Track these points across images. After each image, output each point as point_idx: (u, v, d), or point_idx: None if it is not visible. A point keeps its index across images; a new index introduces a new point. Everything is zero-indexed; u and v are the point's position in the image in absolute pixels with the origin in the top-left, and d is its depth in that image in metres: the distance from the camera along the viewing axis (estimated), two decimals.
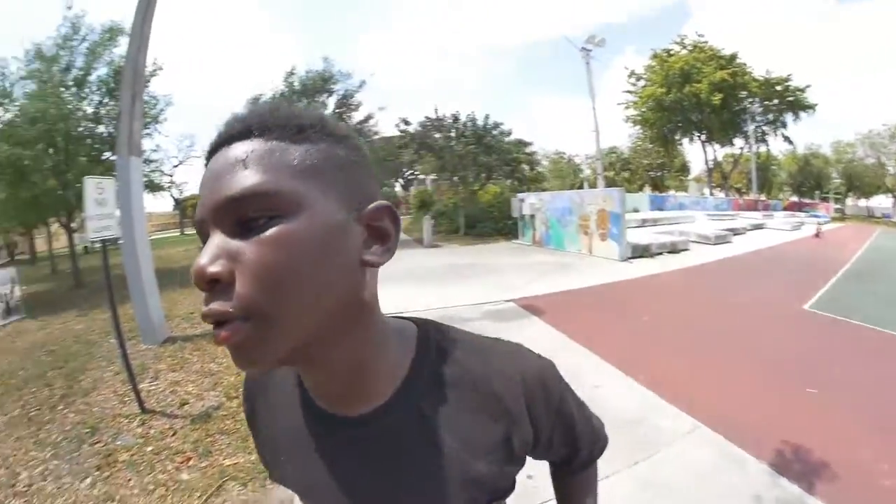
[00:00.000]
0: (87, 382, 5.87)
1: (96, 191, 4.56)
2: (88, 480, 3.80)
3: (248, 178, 0.43)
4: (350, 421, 0.54)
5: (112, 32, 12.33)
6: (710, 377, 4.03)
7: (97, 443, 4.35)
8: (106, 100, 12.98)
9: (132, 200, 5.78)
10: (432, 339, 0.59)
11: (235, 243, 0.43)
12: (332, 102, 16.30)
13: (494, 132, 17.20)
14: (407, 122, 17.64)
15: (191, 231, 45.93)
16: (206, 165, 0.48)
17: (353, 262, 0.47)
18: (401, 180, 45.83)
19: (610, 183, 28.53)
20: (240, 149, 0.45)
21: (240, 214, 0.43)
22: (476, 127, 17.12)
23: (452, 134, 17.18)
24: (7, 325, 10.19)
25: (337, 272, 0.46)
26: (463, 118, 17.20)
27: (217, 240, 0.43)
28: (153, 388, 5.38)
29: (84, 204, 4.55)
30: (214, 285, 0.42)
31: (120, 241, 5.60)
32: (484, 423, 0.55)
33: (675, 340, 4.92)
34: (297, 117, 0.47)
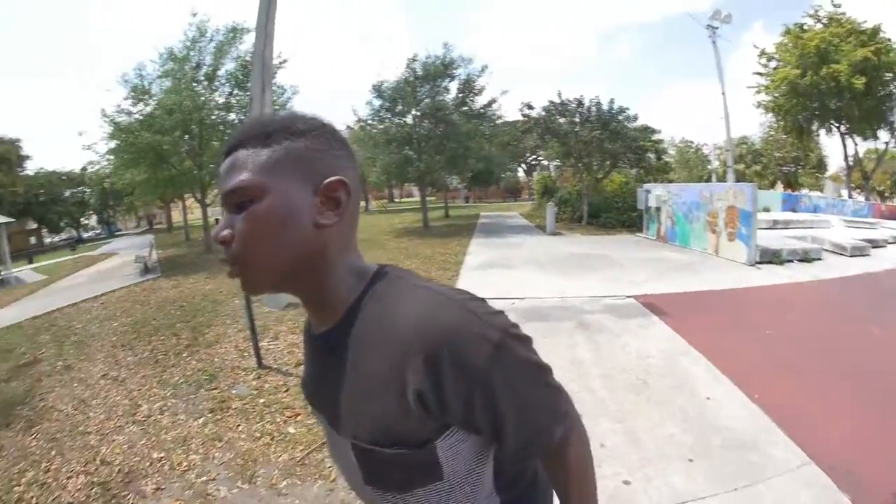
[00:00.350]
0: (210, 336, 6.49)
1: None
2: (201, 420, 4.21)
3: (233, 179, 0.65)
4: (315, 336, 0.76)
5: (236, 32, 14.15)
6: (834, 411, 3.53)
7: (214, 389, 4.79)
8: (235, 91, 14.89)
9: None
10: (377, 281, 0.71)
11: (234, 217, 0.65)
12: (453, 87, 16.43)
13: (620, 117, 16.62)
14: (530, 107, 17.47)
15: None
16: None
17: (306, 226, 0.65)
18: (524, 165, 44.30)
19: (740, 177, 25.49)
20: (232, 156, 0.67)
21: (233, 201, 0.65)
22: (601, 112, 16.55)
23: (577, 119, 16.78)
24: (144, 282, 11.61)
25: (292, 237, 0.65)
26: (587, 102, 16.79)
27: (226, 216, 0.66)
28: (272, 346, 5.77)
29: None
30: (224, 244, 0.65)
31: None
32: (382, 364, 0.64)
33: (800, 362, 4.43)
34: (265, 127, 0.67)
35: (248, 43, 14.36)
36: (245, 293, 0.81)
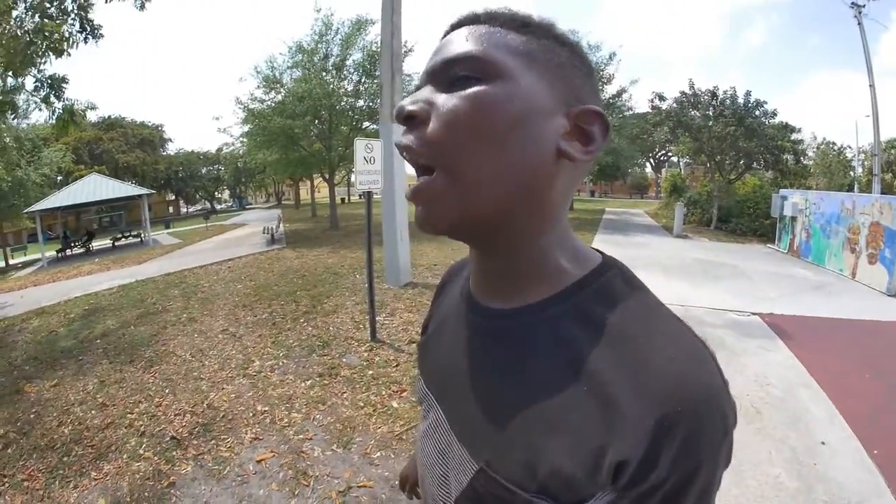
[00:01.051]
0: (329, 306, 7.17)
1: (365, 150, 5.57)
2: (308, 382, 4.65)
3: (463, 46, 0.54)
4: (492, 312, 0.62)
5: (360, 24, 16.53)
6: None
7: (325, 355, 5.28)
8: (363, 79, 17.49)
9: (394, 161, 7.26)
10: (606, 276, 0.59)
11: (440, 95, 0.54)
12: None
13: (756, 112, 17.15)
14: (661, 98, 18.54)
15: None
16: None
17: (547, 148, 0.53)
18: (652, 161, 45.13)
19: (887, 188, 23.12)
20: (466, 28, 0.56)
21: (450, 74, 0.54)
22: (736, 105, 17.17)
23: (710, 112, 17.60)
24: (270, 251, 13.27)
25: (528, 150, 0.53)
26: (721, 94, 17.60)
27: (425, 90, 0.56)
28: (387, 322, 6.28)
29: (354, 161, 5.65)
30: (410, 121, 0.55)
31: (379, 195, 6.93)
32: (590, 398, 0.51)
33: None
34: (525, 16, 0.57)
35: (372, 34, 16.55)
36: (422, 229, 0.58)
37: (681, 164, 34.65)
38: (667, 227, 16.50)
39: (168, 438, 3.87)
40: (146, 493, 3.21)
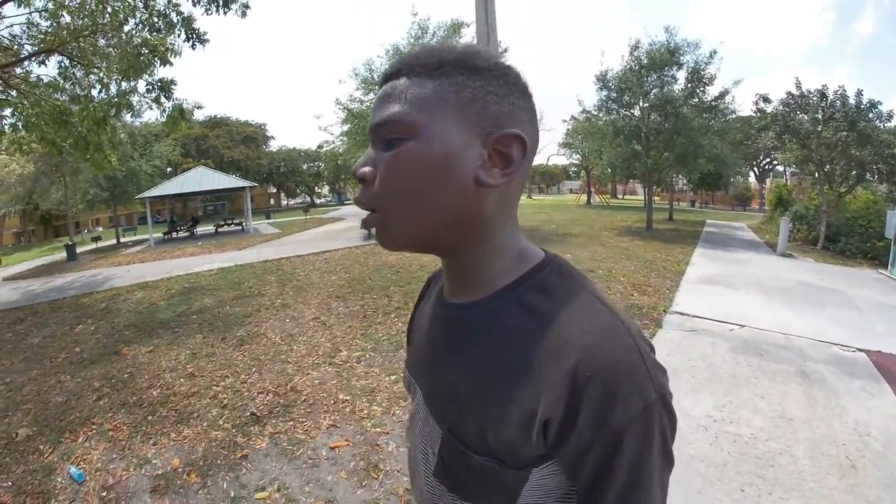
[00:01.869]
0: None
1: None
2: (393, 377, 4.72)
3: (385, 110, 0.65)
4: (447, 304, 0.78)
5: (456, 27, 17.40)
6: None
7: None
8: None
9: None
10: (543, 272, 0.71)
11: (380, 155, 0.66)
12: (681, 76, 17.48)
13: (870, 115, 15.54)
14: (766, 100, 17.57)
15: (538, 196, 55.87)
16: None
17: (466, 181, 0.64)
18: (756, 169, 42.93)
19: None
20: (389, 86, 0.67)
21: (382, 135, 0.65)
22: (847, 107, 15.63)
23: (819, 116, 16.25)
24: (366, 246, 13.73)
25: (447, 186, 0.64)
26: (830, 94, 16.12)
27: (371, 151, 0.67)
28: None
29: None
30: (363, 182, 0.67)
31: None
32: (524, 368, 0.63)
33: None
34: (437, 56, 0.66)
35: (468, 36, 17.17)
36: (381, 245, 0.77)
37: (787, 173, 32.49)
38: (770, 244, 15.73)
39: (248, 414, 4.11)
40: (218, 461, 3.44)
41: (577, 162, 45.58)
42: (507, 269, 0.71)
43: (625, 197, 51.64)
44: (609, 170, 20.32)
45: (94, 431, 4.01)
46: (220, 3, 8.41)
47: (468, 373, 0.70)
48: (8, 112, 8.49)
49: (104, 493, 3.20)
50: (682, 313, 6.72)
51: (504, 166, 0.66)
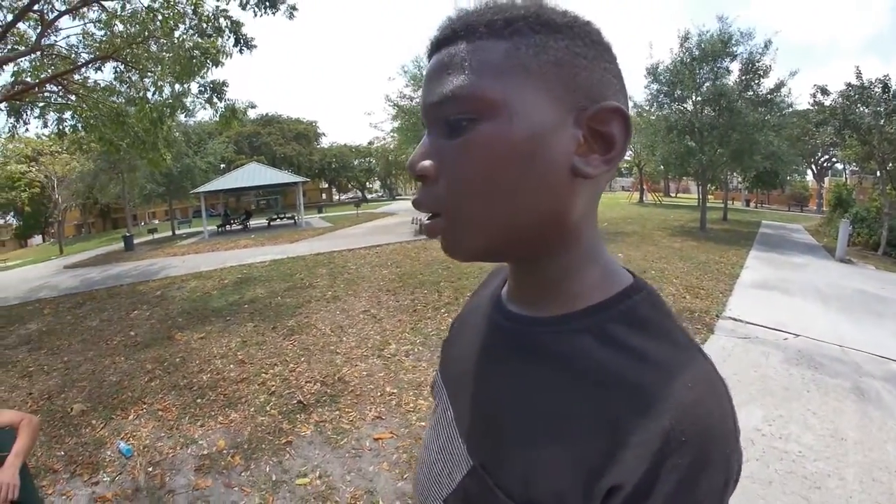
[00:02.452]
0: None
1: None
2: None
3: (444, 85, 0.53)
4: (514, 315, 0.65)
5: None
6: None
7: None
8: None
9: None
10: (634, 298, 0.59)
11: (443, 143, 0.54)
12: (735, 68, 16.97)
13: None
14: (824, 91, 16.77)
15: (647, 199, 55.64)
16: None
17: (560, 172, 0.52)
18: (814, 167, 41.37)
19: None
20: (445, 53, 0.54)
21: (444, 117, 0.53)
22: None
23: (881, 109, 15.31)
24: (417, 241, 13.85)
25: (537, 182, 0.52)
26: (894, 86, 15.15)
27: (428, 139, 0.56)
28: None
29: None
30: (423, 179, 0.55)
31: None
32: (594, 415, 0.52)
33: None
34: (505, 10, 0.53)
35: None
36: (450, 256, 0.60)
37: (846, 172, 31.21)
38: (828, 248, 15.08)
39: (295, 402, 4.18)
40: (263, 445, 3.53)
41: (628, 158, 45.09)
42: (592, 285, 0.60)
43: (678, 195, 50.48)
44: (662, 167, 19.92)
45: (145, 410, 4.19)
46: (267, 5, 8.76)
47: (522, 401, 0.59)
48: (68, 115, 9.11)
49: (150, 469, 3.34)
50: (735, 319, 6.50)
51: (604, 151, 0.54)
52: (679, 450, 0.47)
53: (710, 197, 24.60)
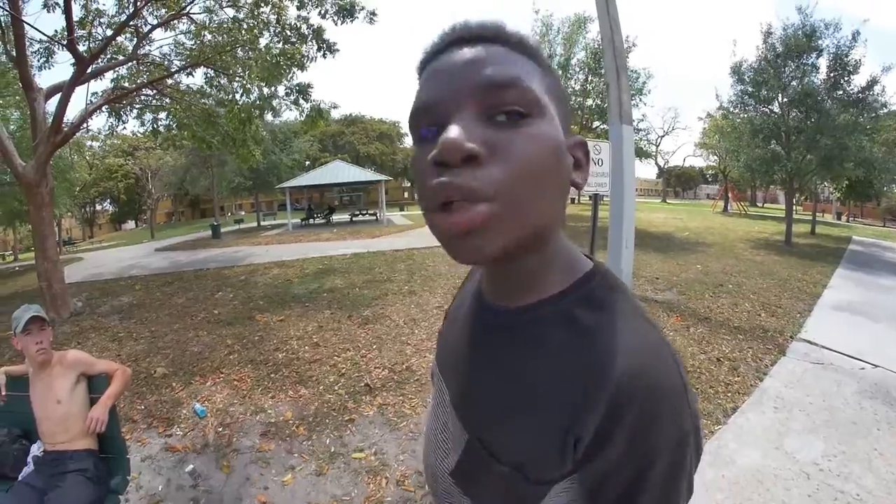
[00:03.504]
0: None
1: (592, 151, 5.66)
2: None
3: (500, 71, 0.56)
4: (494, 309, 0.75)
5: (580, 22, 17.62)
6: None
7: None
8: (590, 77, 18.45)
9: (623, 163, 7.27)
10: (591, 283, 0.70)
11: (489, 130, 0.55)
12: (822, 64, 15.65)
13: None
14: None
15: (674, 201, 53.38)
16: (423, 69, 0.64)
17: (567, 180, 0.63)
18: None
19: None
20: (480, 49, 0.58)
21: (492, 102, 0.55)
22: None
23: None
24: None
25: (561, 185, 0.61)
26: None
27: (465, 122, 0.55)
28: None
29: None
30: (468, 161, 0.54)
31: (607, 198, 7.38)
32: (566, 384, 0.63)
33: None
34: (521, 38, 0.62)
35: (593, 31, 17.28)
36: (462, 258, 0.59)
37: None
38: None
39: (362, 384, 4.42)
40: (327, 421, 3.79)
41: (714, 164, 42.96)
42: (558, 275, 0.70)
43: (765, 205, 49.04)
44: (747, 173, 19.01)
45: (221, 379, 4.58)
46: (346, 14, 9.24)
47: (507, 381, 0.70)
48: (163, 115, 10.17)
49: (220, 429, 3.67)
50: (810, 342, 6.14)
51: (578, 168, 0.68)
52: (627, 405, 0.57)
53: (798, 208, 23.03)
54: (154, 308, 7.45)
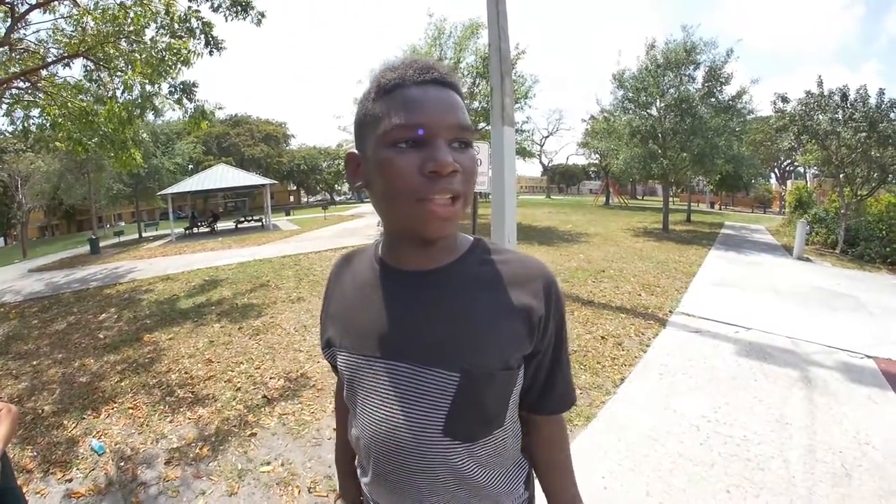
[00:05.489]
0: None
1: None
2: None
3: (464, 119, 0.84)
4: (419, 273, 0.92)
5: (472, 28, 17.83)
6: None
7: None
8: (477, 81, 18.38)
9: (504, 163, 7.68)
10: (480, 245, 0.99)
11: (454, 153, 0.81)
12: (699, 76, 17.62)
13: (892, 115, 15.25)
14: (784, 99, 17.28)
15: (558, 196, 56.17)
16: (392, 89, 0.83)
17: None
18: (776, 171, 43.79)
19: None
20: (453, 96, 0.84)
21: (459, 136, 0.82)
22: (868, 108, 15.52)
23: (839, 116, 16.10)
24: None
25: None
26: (852, 95, 16.00)
27: (444, 147, 0.79)
28: None
29: None
30: (453, 174, 0.79)
31: (489, 196, 7.47)
32: (512, 295, 0.90)
33: None
34: (459, 83, 0.88)
35: (485, 37, 16.90)
36: (438, 235, 0.83)
37: (808, 175, 32.69)
38: (787, 247, 15.83)
39: (260, 396, 4.35)
40: (230, 437, 3.70)
41: (595, 161, 45.56)
42: (458, 245, 0.96)
43: (644, 198, 52.15)
44: (626, 170, 20.51)
45: (116, 409, 4.30)
46: (239, 10, 8.78)
47: (471, 313, 0.89)
48: (35, 112, 8.87)
49: (122, 463, 3.46)
50: (688, 314, 6.74)
51: None
52: (550, 289, 0.93)
53: (675, 199, 24.94)
54: (33, 339, 6.79)
